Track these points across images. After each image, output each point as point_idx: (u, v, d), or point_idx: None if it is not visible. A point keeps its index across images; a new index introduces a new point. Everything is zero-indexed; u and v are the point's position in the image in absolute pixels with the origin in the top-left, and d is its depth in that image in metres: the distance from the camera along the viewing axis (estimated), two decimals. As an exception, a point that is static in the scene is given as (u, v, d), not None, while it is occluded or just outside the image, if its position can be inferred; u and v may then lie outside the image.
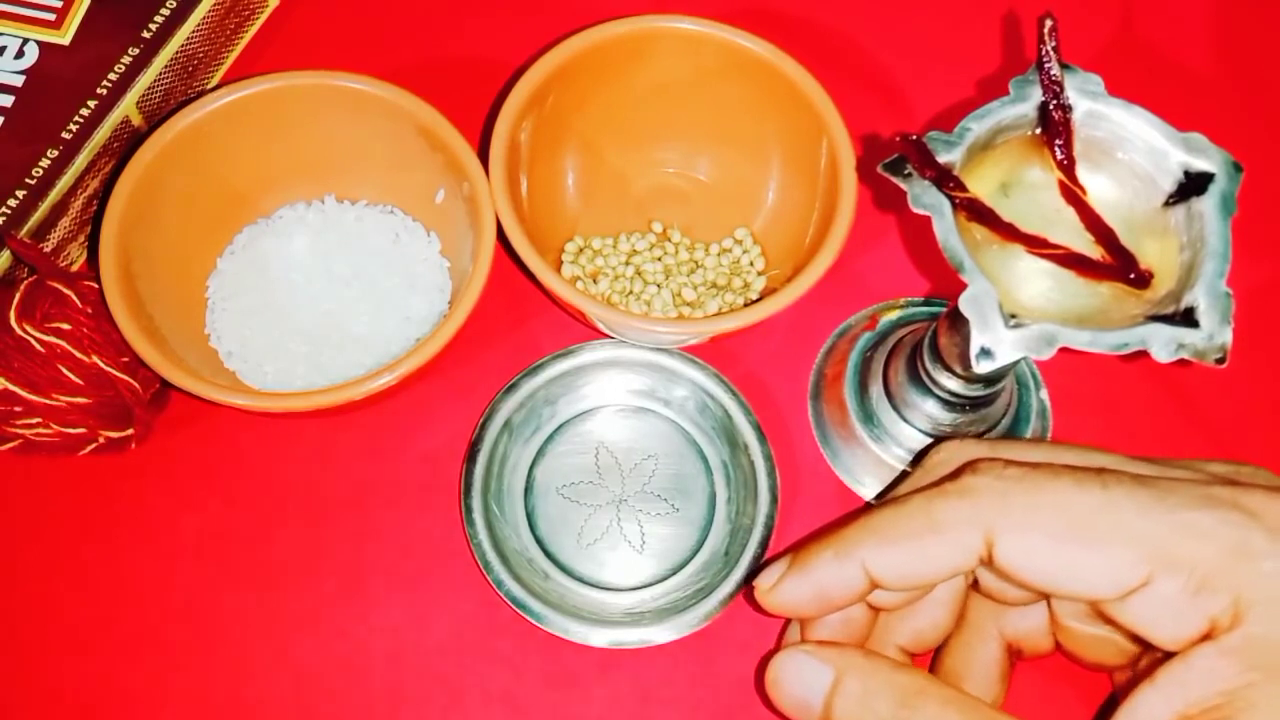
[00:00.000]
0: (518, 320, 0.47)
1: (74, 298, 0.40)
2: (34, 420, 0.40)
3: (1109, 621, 0.30)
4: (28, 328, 0.39)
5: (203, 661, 0.41)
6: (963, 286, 0.31)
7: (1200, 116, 0.37)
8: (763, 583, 0.34)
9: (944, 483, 0.31)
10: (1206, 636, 0.27)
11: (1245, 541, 0.27)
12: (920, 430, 0.42)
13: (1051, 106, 0.34)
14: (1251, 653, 0.26)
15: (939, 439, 0.37)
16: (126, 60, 0.45)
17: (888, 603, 0.34)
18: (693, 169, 0.49)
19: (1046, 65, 0.34)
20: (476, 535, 0.41)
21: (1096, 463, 0.31)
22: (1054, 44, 0.33)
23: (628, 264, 0.47)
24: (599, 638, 0.40)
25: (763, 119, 0.46)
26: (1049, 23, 0.34)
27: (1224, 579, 0.27)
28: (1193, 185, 0.33)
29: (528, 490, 0.44)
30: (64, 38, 0.45)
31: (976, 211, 0.33)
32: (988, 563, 0.30)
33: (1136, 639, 0.31)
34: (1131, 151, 0.34)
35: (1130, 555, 0.28)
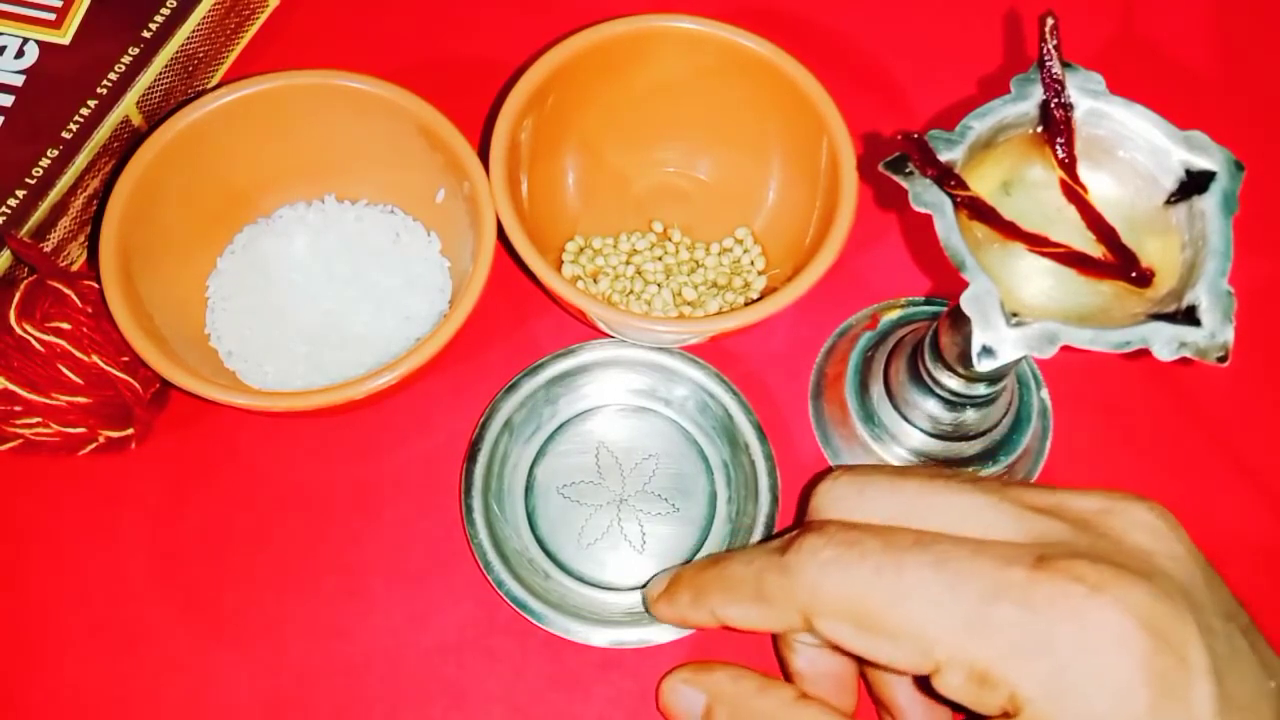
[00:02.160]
0: (518, 320, 0.47)
1: (74, 297, 0.40)
2: (34, 420, 0.40)
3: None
4: (28, 327, 0.39)
5: (203, 661, 0.41)
6: (964, 285, 0.31)
7: (1201, 115, 0.37)
8: (650, 592, 0.39)
9: (778, 550, 0.33)
10: (1006, 714, 0.29)
11: (1023, 641, 0.28)
12: (921, 430, 0.42)
13: (1053, 105, 0.34)
14: None
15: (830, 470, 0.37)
16: (126, 60, 0.45)
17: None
18: (693, 168, 0.49)
19: (1048, 63, 0.34)
20: (477, 535, 0.41)
21: (954, 506, 0.32)
22: (1055, 42, 0.33)
23: (628, 263, 0.47)
24: (599, 638, 0.40)
25: (763, 118, 0.46)
26: (1050, 21, 0.34)
27: (1001, 675, 0.28)
28: (1194, 183, 0.33)
29: (528, 490, 0.44)
30: (64, 37, 0.45)
31: (978, 210, 0.33)
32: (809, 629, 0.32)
33: None
34: (1133, 150, 0.34)
35: (917, 648, 0.29)
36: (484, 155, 0.42)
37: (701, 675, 0.37)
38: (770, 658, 0.40)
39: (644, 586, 0.42)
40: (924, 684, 0.31)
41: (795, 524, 0.43)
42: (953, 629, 0.29)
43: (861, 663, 0.36)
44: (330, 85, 0.44)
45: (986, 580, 0.29)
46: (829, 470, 0.36)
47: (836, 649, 0.32)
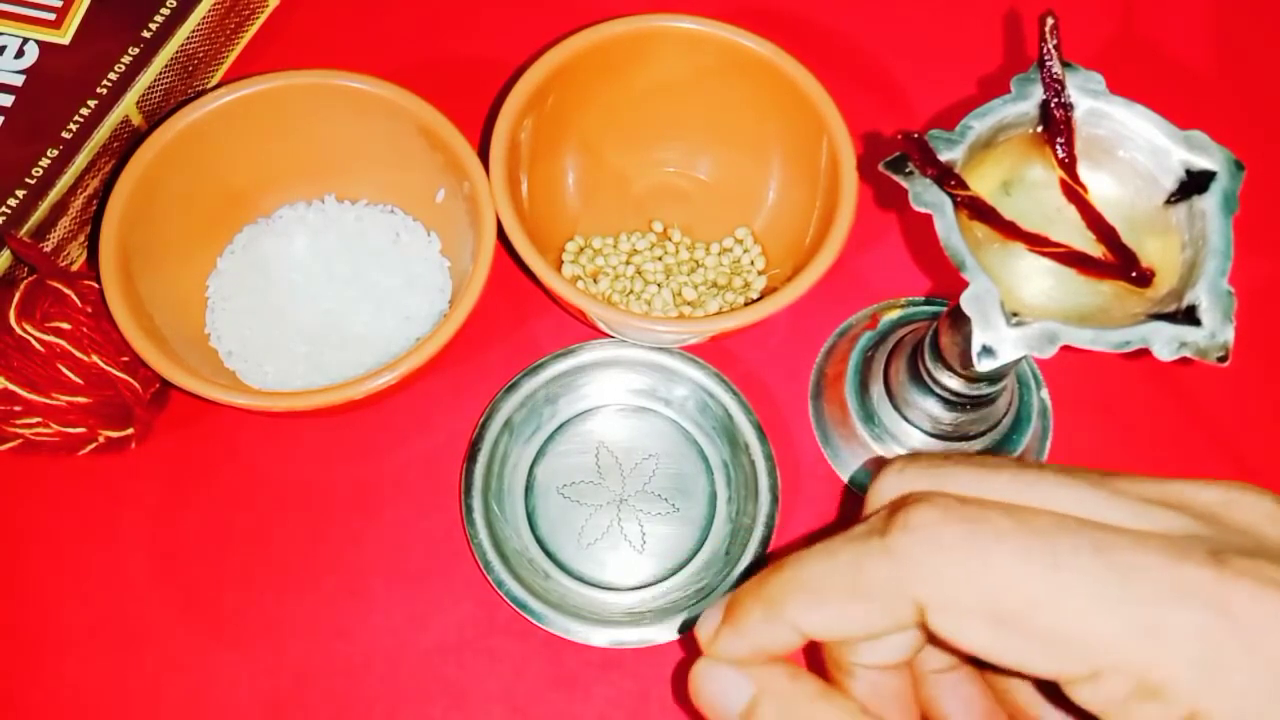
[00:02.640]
0: (518, 320, 0.47)
1: (74, 297, 0.40)
2: (34, 420, 0.40)
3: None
4: (28, 327, 0.39)
5: (203, 661, 0.41)
6: (964, 285, 0.31)
7: (1201, 115, 0.37)
8: (702, 633, 0.31)
9: (875, 530, 0.27)
10: None
11: (1216, 652, 0.24)
12: (921, 430, 0.42)
13: (1053, 105, 0.34)
14: None
15: (887, 459, 0.33)
16: (126, 60, 0.45)
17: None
18: (693, 168, 0.49)
19: (1048, 63, 0.34)
20: (477, 535, 0.41)
21: (1060, 501, 0.28)
22: (1055, 42, 0.33)
23: (628, 263, 0.47)
24: (599, 637, 0.40)
25: (763, 118, 0.46)
26: (1050, 21, 0.34)
27: (1183, 690, 0.24)
28: (1194, 183, 0.33)
29: (528, 490, 0.44)
30: (64, 37, 0.45)
31: (978, 210, 0.33)
32: (921, 628, 0.27)
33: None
34: (1133, 150, 0.34)
35: (1077, 652, 0.25)
36: (484, 155, 0.42)
37: (751, 665, 0.30)
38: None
39: (644, 586, 0.42)
40: (1050, 691, 0.27)
41: (795, 524, 0.43)
42: (1123, 632, 0.24)
43: (977, 664, 0.32)
44: (330, 85, 0.44)
45: (1161, 577, 0.25)
46: (886, 461, 0.32)
47: (942, 647, 0.27)
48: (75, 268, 0.46)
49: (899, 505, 0.27)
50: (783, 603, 0.28)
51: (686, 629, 0.40)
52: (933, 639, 0.27)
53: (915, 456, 0.30)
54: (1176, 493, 0.27)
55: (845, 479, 0.44)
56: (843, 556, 0.27)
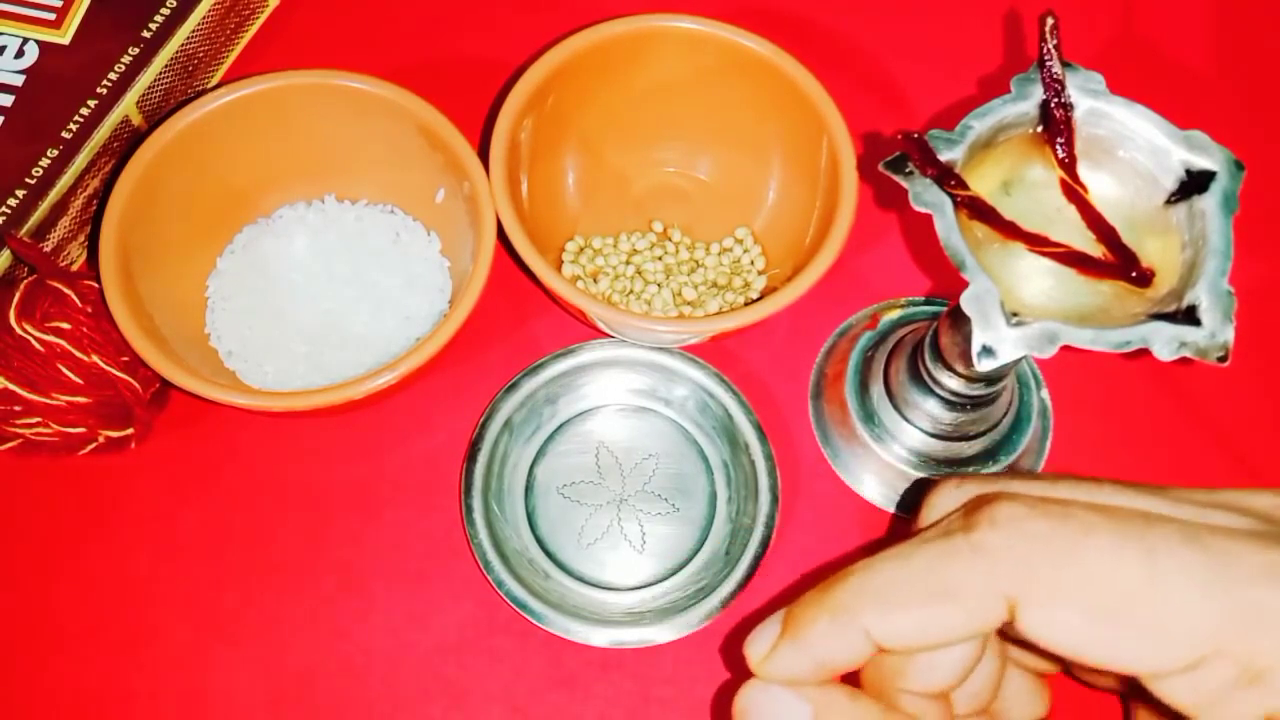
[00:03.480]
0: (518, 320, 0.47)
1: (74, 297, 0.40)
2: (34, 420, 0.40)
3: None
4: (28, 327, 0.39)
5: (203, 661, 0.41)
6: (964, 285, 0.31)
7: (1201, 115, 0.37)
8: (754, 652, 0.29)
9: (955, 530, 0.26)
10: None
11: None
12: (921, 430, 0.42)
13: (1053, 104, 0.34)
14: None
15: (933, 479, 0.32)
16: (126, 60, 0.45)
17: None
18: (693, 168, 0.49)
19: (1048, 63, 0.34)
20: (477, 535, 0.41)
21: (1125, 504, 0.27)
22: (1055, 42, 0.33)
23: (628, 263, 0.47)
24: (599, 638, 0.40)
25: (763, 118, 0.46)
26: (1050, 21, 0.34)
27: None
28: (1194, 183, 0.33)
29: (528, 490, 0.44)
30: (64, 37, 0.45)
31: (978, 210, 0.33)
32: (1008, 627, 0.26)
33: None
34: (1133, 149, 0.34)
35: (1180, 640, 0.24)
36: (484, 155, 0.42)
37: (808, 687, 0.28)
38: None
39: (644, 586, 0.42)
40: (1133, 686, 0.26)
41: (795, 524, 0.43)
42: (1226, 618, 0.24)
43: (1062, 663, 0.31)
44: (330, 85, 0.44)
45: (1257, 561, 0.24)
46: (936, 480, 0.31)
47: (1027, 648, 0.26)
48: (75, 268, 0.46)
49: (977, 505, 0.27)
50: (856, 610, 0.27)
51: (688, 629, 0.40)
52: (1014, 641, 0.27)
53: (968, 476, 0.29)
54: (1232, 499, 0.27)
55: (845, 479, 0.44)
56: (921, 558, 0.26)
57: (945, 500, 0.29)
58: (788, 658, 0.28)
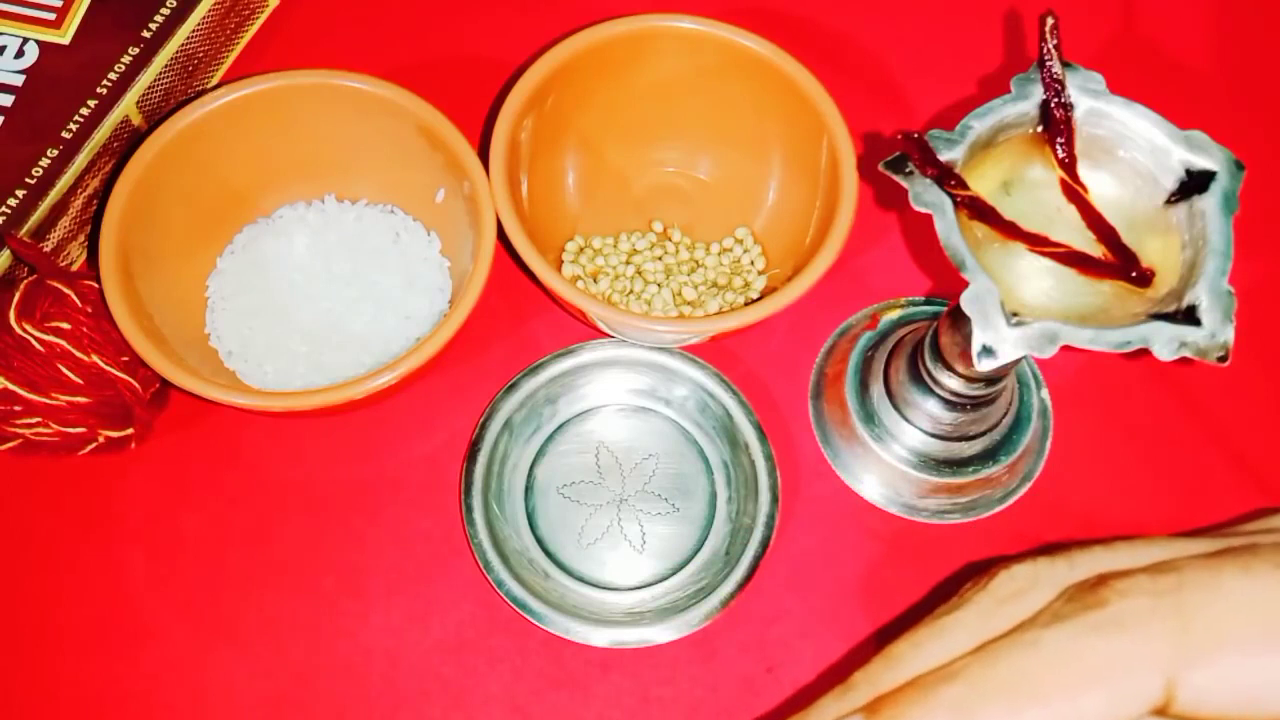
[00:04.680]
0: (518, 320, 0.47)
1: (74, 297, 0.40)
2: (34, 420, 0.40)
3: None
4: (28, 327, 0.39)
5: (202, 661, 0.41)
6: (964, 285, 0.31)
7: (1201, 115, 0.37)
8: None
9: (1073, 613, 0.24)
10: None
11: None
12: (921, 430, 0.42)
13: (1053, 104, 0.34)
14: None
15: (991, 562, 0.29)
16: (126, 60, 0.45)
17: None
18: (693, 168, 0.49)
19: (1048, 63, 0.34)
20: (477, 535, 0.41)
21: (1199, 550, 0.26)
22: (1055, 42, 0.33)
23: (628, 263, 0.47)
24: (599, 637, 0.40)
25: (763, 118, 0.46)
26: (1050, 21, 0.34)
27: None
28: (1194, 183, 0.33)
29: (528, 490, 0.44)
30: (64, 37, 0.45)
31: (978, 210, 0.33)
32: (1159, 710, 0.24)
33: None
34: (1133, 149, 0.34)
35: None
36: (484, 155, 0.42)
37: None
38: (770, 659, 0.40)
39: (644, 586, 0.42)
40: None
41: (796, 524, 0.43)
42: None
43: None
44: (330, 85, 0.44)
45: None
46: (992, 564, 0.28)
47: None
48: (75, 268, 0.46)
49: (1088, 588, 0.25)
50: (978, 708, 0.24)
51: (688, 629, 0.40)
52: None
53: (1042, 558, 0.27)
54: (1267, 524, 0.27)
55: (845, 479, 0.44)
56: (1051, 643, 0.24)
57: (1023, 583, 0.26)
58: None
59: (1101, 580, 0.25)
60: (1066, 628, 0.24)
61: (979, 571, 0.28)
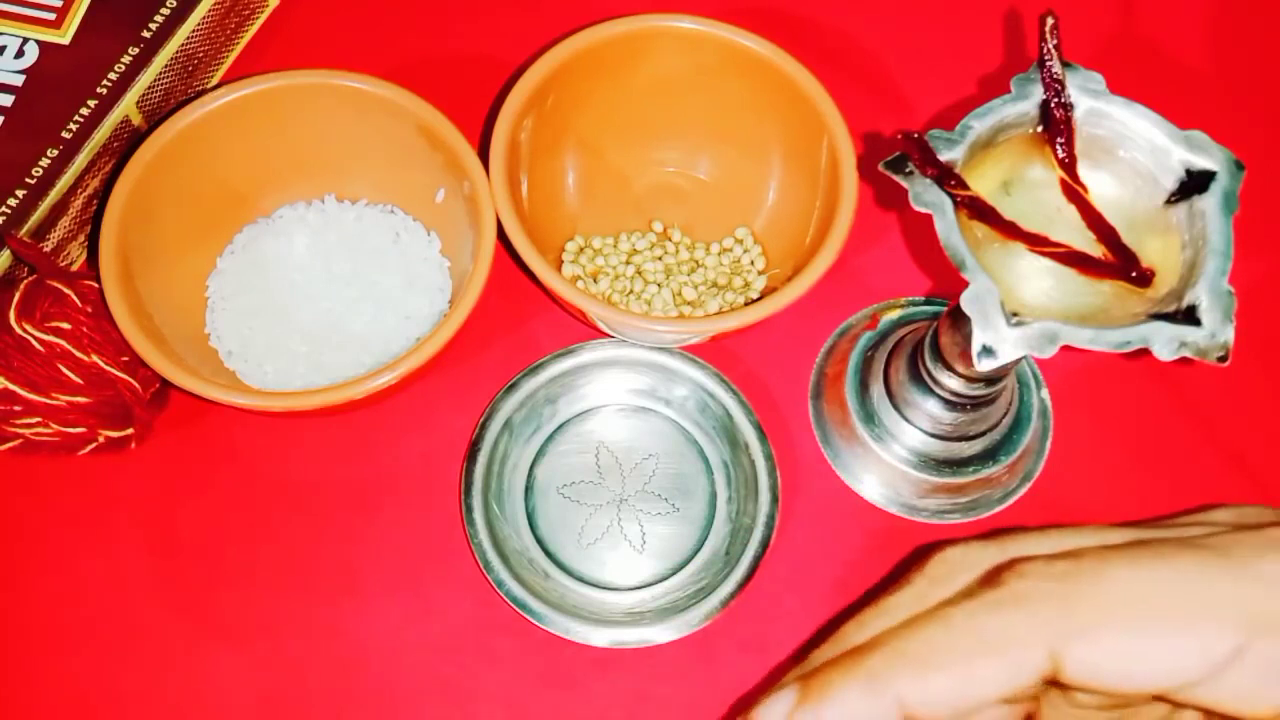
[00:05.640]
0: (518, 320, 0.47)
1: (74, 297, 0.40)
2: (34, 420, 0.40)
3: (1175, 703, 0.27)
4: (28, 327, 0.39)
5: (201, 661, 0.41)
6: (964, 285, 0.31)
7: (1201, 115, 0.37)
8: (769, 714, 0.28)
9: (981, 590, 0.27)
10: None
11: None
12: (921, 430, 0.42)
13: (1053, 104, 0.34)
14: None
15: (932, 545, 0.31)
16: (126, 60, 0.45)
17: None
18: (693, 168, 0.49)
19: (1048, 63, 0.34)
20: (477, 535, 0.41)
21: (1115, 540, 0.28)
22: (1055, 42, 0.33)
23: (628, 263, 0.47)
24: (599, 637, 0.40)
25: (763, 118, 0.46)
26: (1050, 21, 0.34)
27: None
28: (1194, 183, 0.33)
29: (528, 490, 0.44)
30: (64, 37, 0.45)
31: (978, 209, 0.33)
32: (1049, 678, 0.26)
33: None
34: (1133, 149, 0.34)
35: (1221, 626, 0.25)
36: (484, 155, 0.42)
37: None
38: (762, 657, 0.40)
39: (644, 586, 0.42)
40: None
41: (796, 524, 0.43)
42: (1253, 592, 0.26)
43: None
44: (330, 85, 0.44)
45: (1254, 541, 0.26)
46: (933, 546, 0.31)
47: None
48: (75, 268, 0.46)
49: (997, 570, 0.28)
50: (889, 675, 0.26)
51: (688, 629, 0.40)
52: (1060, 687, 0.27)
53: (965, 539, 0.30)
54: (1195, 518, 0.29)
55: (845, 479, 0.44)
56: (956, 618, 0.27)
57: (951, 565, 0.29)
58: None
59: (1010, 564, 0.27)
60: (971, 605, 0.27)
61: (922, 555, 0.30)
